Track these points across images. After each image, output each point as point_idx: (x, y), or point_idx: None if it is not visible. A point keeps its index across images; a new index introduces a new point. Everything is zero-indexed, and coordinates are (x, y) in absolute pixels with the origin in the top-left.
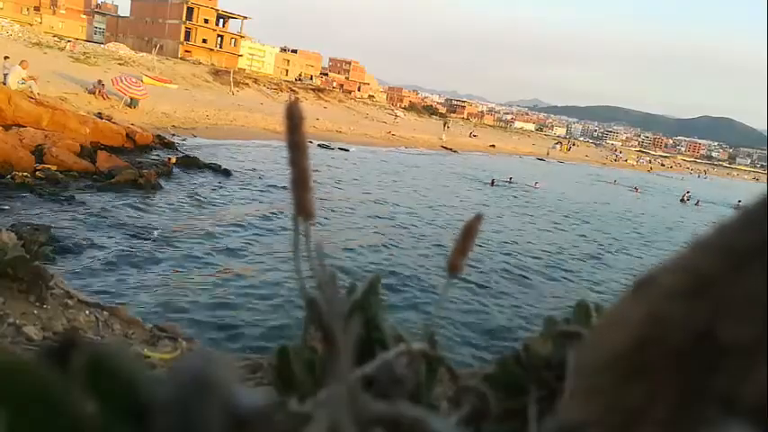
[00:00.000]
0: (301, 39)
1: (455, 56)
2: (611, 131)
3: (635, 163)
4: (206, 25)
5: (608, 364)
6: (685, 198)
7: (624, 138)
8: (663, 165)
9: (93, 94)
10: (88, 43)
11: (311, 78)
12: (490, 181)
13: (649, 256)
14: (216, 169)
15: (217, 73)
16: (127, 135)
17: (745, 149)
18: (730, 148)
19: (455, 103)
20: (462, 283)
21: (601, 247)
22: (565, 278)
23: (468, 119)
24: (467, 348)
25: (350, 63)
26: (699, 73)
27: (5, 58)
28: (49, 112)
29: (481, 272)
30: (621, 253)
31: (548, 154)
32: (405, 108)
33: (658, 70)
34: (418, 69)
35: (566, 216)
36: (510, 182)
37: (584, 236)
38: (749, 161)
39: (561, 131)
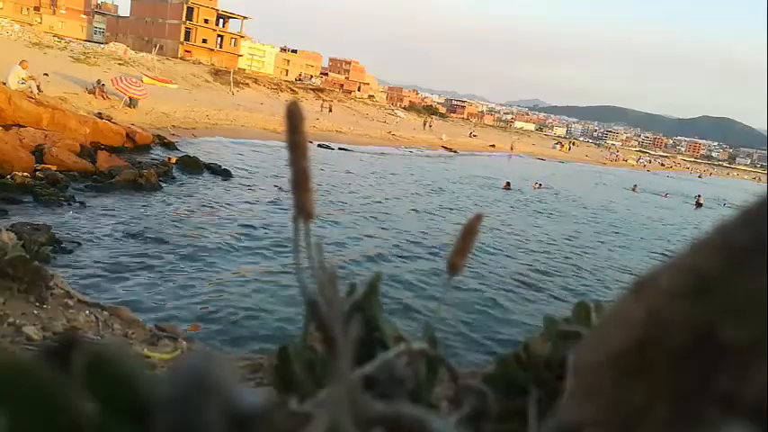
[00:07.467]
0: (301, 39)
1: (455, 56)
2: (611, 131)
3: (635, 163)
4: (206, 25)
5: (608, 364)
6: (700, 202)
7: (624, 138)
8: (663, 165)
9: (93, 94)
10: (88, 43)
11: (311, 78)
12: (504, 184)
13: None
14: (216, 169)
15: (217, 73)
16: (127, 135)
17: (745, 149)
18: (730, 148)
19: (455, 103)
20: (470, 284)
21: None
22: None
23: (468, 119)
24: (467, 348)
25: (350, 63)
26: (699, 73)
27: (21, 62)
28: (49, 112)
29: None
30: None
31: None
32: (405, 108)
33: (658, 70)
34: (418, 69)
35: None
36: (539, 187)
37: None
38: (749, 161)
39: (561, 131)
